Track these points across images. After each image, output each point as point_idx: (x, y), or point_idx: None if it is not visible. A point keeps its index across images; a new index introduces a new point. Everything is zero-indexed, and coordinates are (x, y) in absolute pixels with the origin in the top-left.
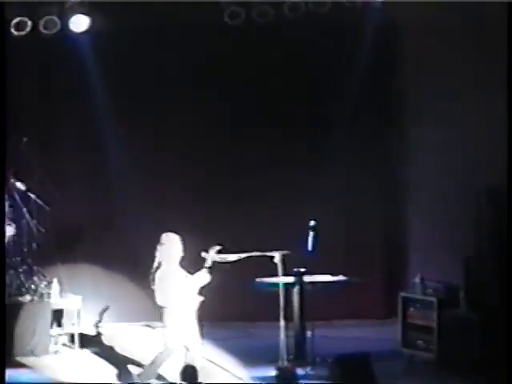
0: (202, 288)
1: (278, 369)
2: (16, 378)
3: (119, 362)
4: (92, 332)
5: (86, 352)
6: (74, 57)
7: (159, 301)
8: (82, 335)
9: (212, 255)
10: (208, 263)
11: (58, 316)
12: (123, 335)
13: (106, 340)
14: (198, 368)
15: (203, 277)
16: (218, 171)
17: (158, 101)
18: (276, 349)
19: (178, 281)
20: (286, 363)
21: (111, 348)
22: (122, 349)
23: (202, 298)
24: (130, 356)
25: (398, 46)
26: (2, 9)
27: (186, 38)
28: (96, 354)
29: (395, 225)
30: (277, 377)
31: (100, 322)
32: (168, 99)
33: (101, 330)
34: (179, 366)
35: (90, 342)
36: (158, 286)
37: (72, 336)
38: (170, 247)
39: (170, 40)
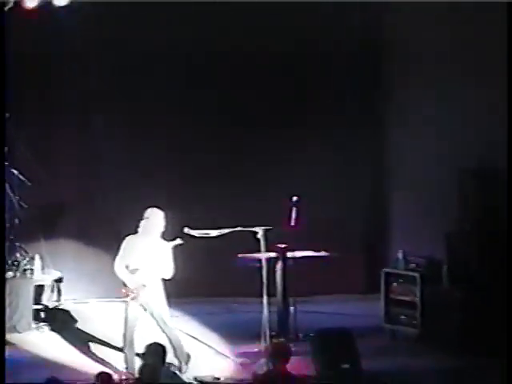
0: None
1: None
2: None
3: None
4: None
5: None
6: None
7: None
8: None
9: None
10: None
11: (40, 292)
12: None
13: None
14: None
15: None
16: (203, 147)
17: (145, 87)
18: (259, 324)
19: (147, 251)
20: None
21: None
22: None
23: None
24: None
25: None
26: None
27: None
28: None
29: (378, 200)
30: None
31: None
32: (154, 87)
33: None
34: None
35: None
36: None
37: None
38: (153, 220)
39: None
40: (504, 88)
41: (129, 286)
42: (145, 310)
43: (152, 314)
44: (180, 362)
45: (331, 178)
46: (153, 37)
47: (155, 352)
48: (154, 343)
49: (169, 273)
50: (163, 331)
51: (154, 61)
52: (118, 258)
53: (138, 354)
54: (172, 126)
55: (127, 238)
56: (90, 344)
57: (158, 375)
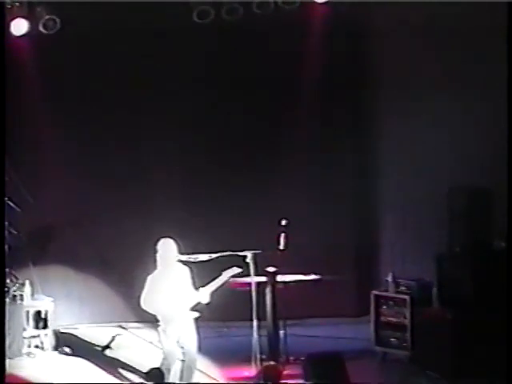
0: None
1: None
2: None
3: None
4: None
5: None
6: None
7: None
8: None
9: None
10: (214, 287)
11: (30, 318)
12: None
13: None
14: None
15: (203, 296)
16: (191, 172)
17: (134, 112)
18: (249, 348)
19: (170, 287)
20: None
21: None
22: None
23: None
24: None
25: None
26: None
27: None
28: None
29: (367, 222)
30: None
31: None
32: (143, 108)
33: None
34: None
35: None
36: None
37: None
38: (166, 251)
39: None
40: (500, 107)
41: (161, 320)
42: (178, 341)
43: (182, 345)
44: None
45: (320, 201)
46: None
47: (155, 377)
48: (156, 368)
49: (203, 297)
50: (187, 359)
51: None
52: (144, 296)
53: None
54: (159, 152)
55: (150, 276)
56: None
57: None
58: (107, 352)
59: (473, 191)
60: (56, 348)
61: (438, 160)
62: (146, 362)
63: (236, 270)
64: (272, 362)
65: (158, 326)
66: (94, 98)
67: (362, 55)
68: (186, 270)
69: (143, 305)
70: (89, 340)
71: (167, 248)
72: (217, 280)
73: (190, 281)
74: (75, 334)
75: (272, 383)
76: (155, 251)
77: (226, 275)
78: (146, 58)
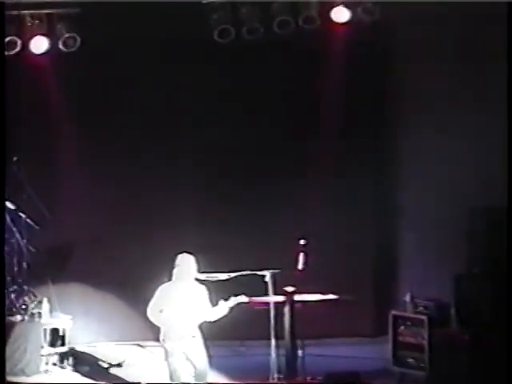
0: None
1: None
2: None
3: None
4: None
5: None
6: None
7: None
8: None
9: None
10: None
11: (48, 335)
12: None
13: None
14: None
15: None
16: (213, 190)
17: (146, 126)
18: (267, 367)
19: (181, 301)
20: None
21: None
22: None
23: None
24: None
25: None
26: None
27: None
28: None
29: (386, 242)
30: None
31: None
32: (162, 125)
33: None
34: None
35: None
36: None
37: (62, 356)
38: (184, 266)
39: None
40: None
41: (164, 332)
42: (187, 358)
43: (190, 362)
44: None
45: (339, 220)
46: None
47: None
48: None
49: (212, 315)
50: (196, 378)
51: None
52: (151, 305)
53: None
54: (175, 169)
55: (162, 286)
56: None
57: None
58: (115, 370)
59: (492, 212)
60: (74, 367)
61: (460, 177)
62: (165, 380)
63: (243, 299)
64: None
65: (162, 343)
66: (113, 111)
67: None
68: (201, 287)
69: (149, 314)
70: (104, 359)
71: (185, 262)
72: (222, 305)
73: (205, 299)
74: (91, 353)
75: None
76: (173, 266)
77: (232, 302)
78: (165, 71)
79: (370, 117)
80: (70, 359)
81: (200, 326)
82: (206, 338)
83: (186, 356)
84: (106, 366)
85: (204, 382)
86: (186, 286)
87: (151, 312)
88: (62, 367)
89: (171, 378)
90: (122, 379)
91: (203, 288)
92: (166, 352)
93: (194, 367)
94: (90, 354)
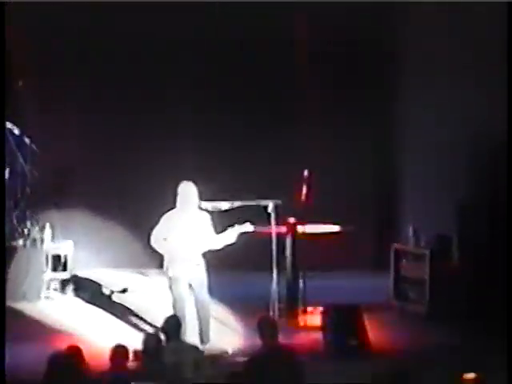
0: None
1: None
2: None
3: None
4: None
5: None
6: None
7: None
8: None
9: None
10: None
11: (50, 261)
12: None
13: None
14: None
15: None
16: (217, 119)
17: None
18: (267, 297)
19: (184, 228)
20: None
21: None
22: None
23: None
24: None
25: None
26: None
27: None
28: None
29: (389, 175)
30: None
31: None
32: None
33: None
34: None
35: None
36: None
37: (64, 281)
38: (187, 195)
39: None
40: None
41: (167, 260)
42: (190, 285)
43: (193, 290)
44: (201, 341)
45: (343, 152)
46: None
47: (173, 324)
48: (172, 316)
49: (216, 243)
50: (198, 306)
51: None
52: (155, 233)
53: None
54: (185, 98)
55: (166, 214)
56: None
57: (161, 347)
58: (117, 296)
59: (496, 146)
60: (75, 292)
61: (463, 109)
62: (165, 307)
63: (248, 228)
64: (266, 314)
65: (165, 271)
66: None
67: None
68: (205, 215)
69: (153, 242)
70: (106, 285)
71: (188, 191)
72: (228, 233)
73: (209, 226)
74: (93, 278)
75: (268, 334)
76: (176, 194)
77: (237, 230)
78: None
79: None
80: (72, 285)
81: (204, 255)
82: (209, 267)
83: (190, 284)
84: (108, 292)
85: (206, 311)
86: (189, 214)
87: (155, 240)
88: (64, 293)
89: (174, 307)
90: (124, 306)
91: (207, 216)
92: (170, 280)
93: (196, 296)
94: (91, 280)
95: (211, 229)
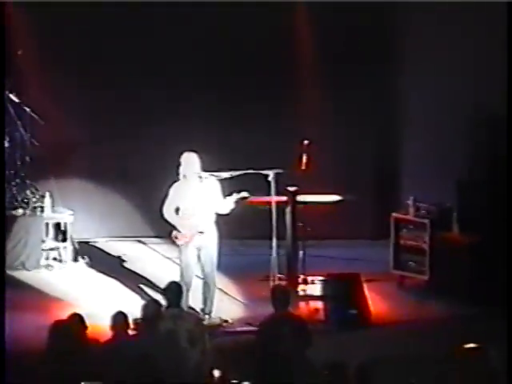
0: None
1: (273, 288)
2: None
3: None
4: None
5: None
6: None
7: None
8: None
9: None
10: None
11: (50, 230)
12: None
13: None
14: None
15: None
16: (216, 89)
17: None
18: (267, 266)
19: (196, 194)
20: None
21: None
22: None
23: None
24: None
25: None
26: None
27: None
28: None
29: (390, 146)
30: (271, 295)
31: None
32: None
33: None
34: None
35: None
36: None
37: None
38: (189, 164)
39: None
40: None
41: (181, 231)
42: (199, 252)
43: (200, 258)
44: (203, 310)
45: (343, 123)
46: None
47: (174, 290)
48: (174, 282)
49: (224, 208)
50: (205, 276)
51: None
52: (166, 204)
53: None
54: (185, 71)
55: (174, 185)
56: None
57: (160, 314)
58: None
59: (495, 119)
60: (75, 258)
61: (463, 84)
62: (164, 276)
63: (244, 195)
64: (280, 283)
65: (175, 240)
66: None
67: None
68: (214, 182)
69: (165, 213)
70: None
71: (190, 161)
72: (227, 200)
73: (218, 193)
74: (95, 245)
75: (280, 304)
76: (178, 164)
77: (234, 197)
78: None
79: (367, 34)
80: (72, 253)
81: (217, 223)
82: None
83: (198, 254)
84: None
85: (212, 281)
86: (197, 182)
87: (167, 211)
88: (62, 262)
89: (182, 276)
90: (136, 273)
91: (216, 183)
92: (180, 249)
93: (203, 266)
94: (94, 246)
95: (220, 195)
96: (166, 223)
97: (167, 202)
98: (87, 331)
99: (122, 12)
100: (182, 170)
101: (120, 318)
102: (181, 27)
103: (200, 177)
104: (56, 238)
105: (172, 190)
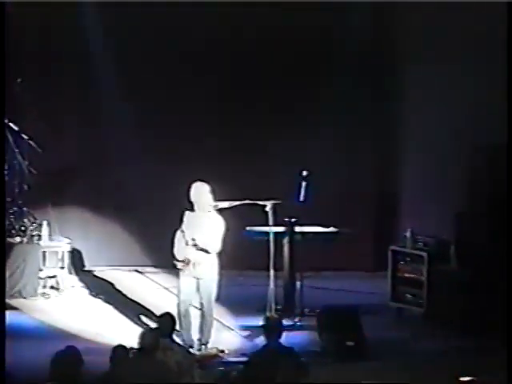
0: None
1: (266, 318)
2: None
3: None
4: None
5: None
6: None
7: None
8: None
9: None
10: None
11: (47, 258)
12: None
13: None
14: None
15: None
16: (216, 120)
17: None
18: (265, 298)
19: (201, 225)
20: (273, 313)
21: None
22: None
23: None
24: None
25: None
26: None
27: None
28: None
29: (388, 177)
30: (264, 326)
31: None
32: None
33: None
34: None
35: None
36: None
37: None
38: (200, 195)
39: None
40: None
41: (185, 258)
42: (198, 283)
43: (199, 288)
44: (200, 340)
45: (342, 153)
46: None
47: (166, 321)
48: (167, 313)
49: (214, 247)
50: (202, 306)
51: None
52: (179, 231)
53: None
54: (183, 101)
55: (186, 213)
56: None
57: (158, 342)
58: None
59: (495, 151)
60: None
61: (463, 113)
62: (160, 306)
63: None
64: (273, 314)
65: (179, 268)
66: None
67: None
68: (219, 218)
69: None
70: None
71: (201, 191)
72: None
73: (219, 231)
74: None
75: (272, 334)
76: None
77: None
78: None
79: (368, 61)
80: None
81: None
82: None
83: (198, 284)
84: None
85: (210, 311)
86: (204, 214)
87: (177, 238)
88: (59, 290)
89: (179, 305)
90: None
91: (221, 220)
92: (179, 278)
93: (202, 295)
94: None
95: (221, 234)
96: (163, 253)
97: (180, 229)
98: (83, 363)
99: (124, 39)
100: (192, 198)
101: (121, 351)
102: (193, 52)
103: (209, 211)
104: (53, 267)
105: (184, 218)
